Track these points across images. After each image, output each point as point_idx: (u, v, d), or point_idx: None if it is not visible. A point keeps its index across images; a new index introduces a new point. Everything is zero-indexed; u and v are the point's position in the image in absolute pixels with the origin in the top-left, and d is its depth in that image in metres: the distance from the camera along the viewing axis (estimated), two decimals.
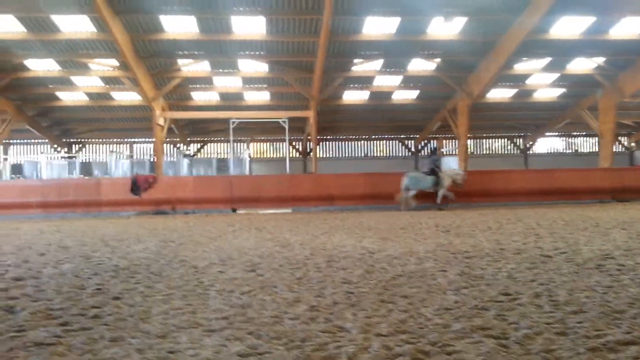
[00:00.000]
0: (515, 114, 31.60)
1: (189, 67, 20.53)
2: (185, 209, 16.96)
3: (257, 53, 20.13)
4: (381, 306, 4.08)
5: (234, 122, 21.55)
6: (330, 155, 33.16)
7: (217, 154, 30.75)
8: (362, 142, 32.98)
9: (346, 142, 32.75)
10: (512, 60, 22.15)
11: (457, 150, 29.62)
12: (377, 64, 22.10)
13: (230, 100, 24.44)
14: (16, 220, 15.37)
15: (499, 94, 27.82)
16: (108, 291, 4.90)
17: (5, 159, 25.21)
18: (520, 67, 23.91)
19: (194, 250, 7.67)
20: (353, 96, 25.26)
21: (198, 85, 23.02)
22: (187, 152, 29.40)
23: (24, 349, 3.27)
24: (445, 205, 16.87)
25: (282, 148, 32.63)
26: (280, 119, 21.75)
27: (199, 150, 31.73)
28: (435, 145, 33.50)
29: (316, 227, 11.04)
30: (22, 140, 29.26)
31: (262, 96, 24.58)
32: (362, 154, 32.66)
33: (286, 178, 18.15)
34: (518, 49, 19.69)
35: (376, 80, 24.05)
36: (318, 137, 25.20)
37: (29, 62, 19.89)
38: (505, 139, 37.92)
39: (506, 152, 37.46)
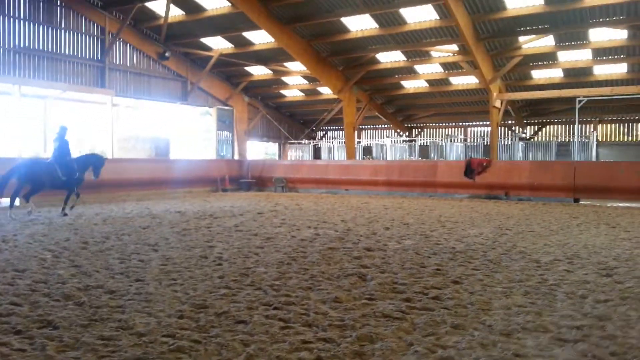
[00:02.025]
0: None
1: (530, 43, 19.21)
2: (519, 195, 16.11)
3: (614, 18, 17.18)
4: None
5: (580, 101, 19.11)
6: None
7: (557, 137, 28.04)
8: None
9: None
10: None
11: None
12: None
13: (576, 77, 21.74)
14: (366, 195, 17.71)
15: None
16: (447, 273, 4.98)
17: (359, 142, 29.48)
18: None
19: (534, 242, 7.11)
20: None
21: (539, 63, 21.30)
22: (523, 135, 27.83)
23: (374, 317, 3.56)
24: None
25: (637, 130, 27.33)
26: None
27: (535, 133, 29.64)
28: None
29: None
30: (371, 126, 33.57)
31: (617, 69, 20.90)
32: None
33: None
34: None
35: None
36: None
37: (380, 56, 22.44)
38: None
39: None
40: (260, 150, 31.88)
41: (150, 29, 20.81)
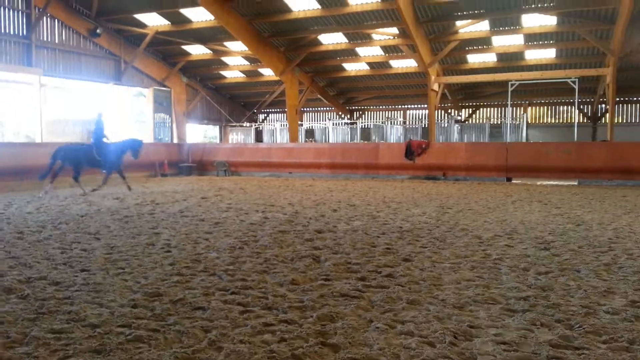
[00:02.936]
0: None
1: (466, 28, 19.85)
2: (456, 175, 16.80)
3: (545, 5, 18.07)
4: None
5: (512, 84, 20.05)
6: (628, 121, 27.97)
7: (490, 119, 29.34)
8: None
9: None
10: None
11: None
12: None
13: (509, 61, 22.79)
14: (310, 178, 17.81)
15: None
16: (397, 252, 5.13)
17: (301, 125, 29.48)
18: None
19: (474, 219, 7.46)
20: None
21: (475, 47, 22.10)
22: (459, 118, 28.89)
23: (332, 297, 3.62)
24: None
25: (564, 113, 29.06)
26: (569, 78, 19.19)
27: (470, 115, 30.86)
28: None
29: (614, 204, 9.50)
30: (313, 108, 33.62)
31: (547, 54, 22.08)
32: None
33: (574, 146, 16.06)
34: None
35: None
36: (615, 99, 21.32)
37: (322, 37, 22.41)
38: None
39: None
40: (200, 134, 31.14)
41: (80, 3, 19.58)
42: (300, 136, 26.80)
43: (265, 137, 28.88)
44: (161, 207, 8.80)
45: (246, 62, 25.35)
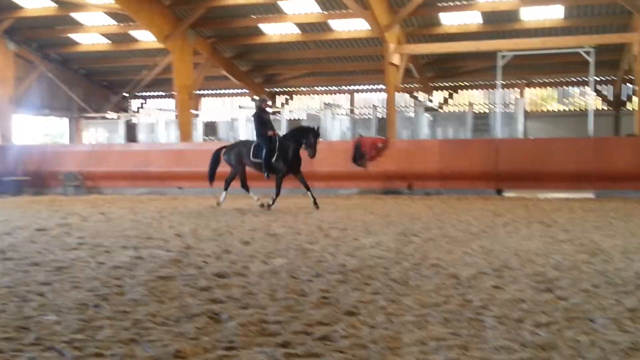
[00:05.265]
0: None
1: None
2: (426, 187, 17.24)
3: None
4: None
5: (504, 57, 20.90)
6: None
7: (474, 105, 30.42)
8: None
9: None
10: None
11: None
12: None
13: (499, 24, 23.72)
14: (211, 195, 17.59)
15: None
16: (338, 302, 5.16)
17: (197, 115, 29.16)
18: None
19: (450, 250, 7.68)
20: None
21: (451, 3, 22.84)
22: (430, 104, 29.74)
23: None
24: None
25: (575, 97, 30.75)
26: (581, 48, 20.25)
27: (446, 100, 31.92)
28: None
29: None
30: (216, 91, 33.39)
31: (551, 14, 23.24)
32: None
33: (589, 143, 16.99)
34: None
35: None
36: None
37: None
38: None
39: None
40: (38, 130, 30.18)
41: None
42: (195, 133, 26.54)
43: (142, 135, 28.31)
44: None
45: (112, 21, 24.88)
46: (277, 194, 13.81)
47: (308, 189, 13.78)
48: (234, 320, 4.62)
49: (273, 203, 13.64)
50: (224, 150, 14.79)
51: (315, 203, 13.52)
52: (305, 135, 13.64)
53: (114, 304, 5.16)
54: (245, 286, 5.78)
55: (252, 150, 13.85)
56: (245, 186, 14.50)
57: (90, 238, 9.00)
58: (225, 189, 14.63)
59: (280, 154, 13.56)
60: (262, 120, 13.95)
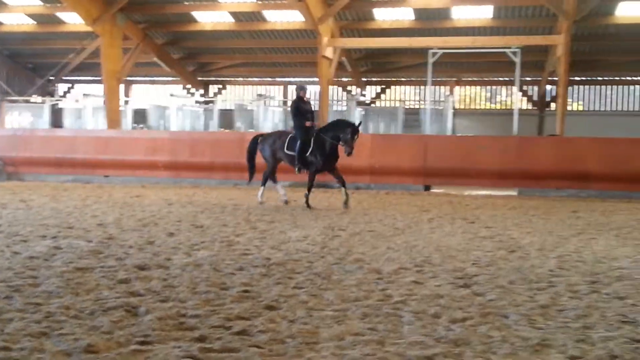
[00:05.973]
0: None
1: None
2: (356, 182, 17.33)
3: None
4: None
5: (435, 54, 21.24)
6: (587, 108, 30.94)
7: (405, 101, 30.83)
8: None
9: (614, 89, 30.11)
10: None
11: None
12: None
13: (431, 21, 24.12)
14: (139, 185, 17.32)
15: None
16: (259, 296, 5.15)
17: (127, 102, 28.61)
18: None
19: (374, 245, 7.77)
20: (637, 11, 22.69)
21: None
22: (362, 99, 29.99)
23: None
24: None
25: (505, 94, 31.52)
26: (509, 47, 20.80)
27: (378, 95, 32.23)
28: None
29: (562, 223, 10.48)
30: (147, 77, 32.87)
31: (480, 13, 23.77)
32: None
33: (513, 142, 17.44)
34: None
35: None
36: (569, 79, 23.46)
37: None
38: None
39: None
40: None
41: None
42: (124, 120, 26.05)
43: (68, 120, 27.63)
44: None
45: (37, 2, 24.14)
46: (309, 190, 12.59)
47: (344, 184, 12.61)
48: (151, 313, 4.55)
49: (307, 200, 12.38)
50: (259, 139, 13.55)
51: (346, 203, 12.37)
52: (343, 130, 12.45)
53: (26, 296, 5.01)
54: (166, 279, 5.71)
55: (287, 142, 12.81)
56: (272, 177, 13.32)
57: (7, 226, 8.72)
58: (263, 184, 13.18)
59: (316, 148, 12.48)
60: (299, 111, 12.86)
